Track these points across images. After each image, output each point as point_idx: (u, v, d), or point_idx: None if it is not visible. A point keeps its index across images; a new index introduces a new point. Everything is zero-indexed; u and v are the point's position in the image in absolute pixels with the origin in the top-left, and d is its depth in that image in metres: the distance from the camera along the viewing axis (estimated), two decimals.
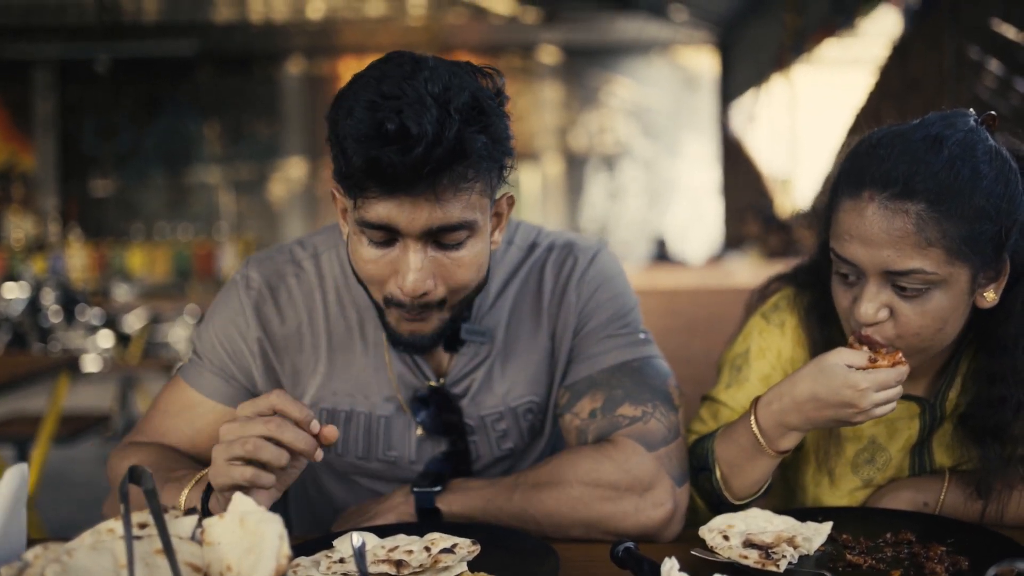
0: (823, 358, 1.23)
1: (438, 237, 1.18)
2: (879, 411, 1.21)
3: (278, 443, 1.07)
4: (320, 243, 1.45)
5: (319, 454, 1.10)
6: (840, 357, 1.22)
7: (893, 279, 1.21)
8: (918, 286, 1.20)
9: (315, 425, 1.09)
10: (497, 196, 1.26)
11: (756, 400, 1.29)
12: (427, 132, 1.08)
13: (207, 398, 1.41)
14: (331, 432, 1.10)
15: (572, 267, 1.44)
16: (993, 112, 1.27)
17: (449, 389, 1.41)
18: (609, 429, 1.35)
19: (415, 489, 1.33)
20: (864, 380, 1.20)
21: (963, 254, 1.19)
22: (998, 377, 1.28)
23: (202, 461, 1.38)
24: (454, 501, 1.32)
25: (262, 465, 1.08)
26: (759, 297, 1.52)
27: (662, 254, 9.69)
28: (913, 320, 1.22)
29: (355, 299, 1.41)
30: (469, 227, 1.19)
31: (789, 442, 1.27)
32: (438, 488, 1.32)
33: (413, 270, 1.18)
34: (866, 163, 1.23)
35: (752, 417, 1.28)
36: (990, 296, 1.26)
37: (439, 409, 1.40)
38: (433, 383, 1.41)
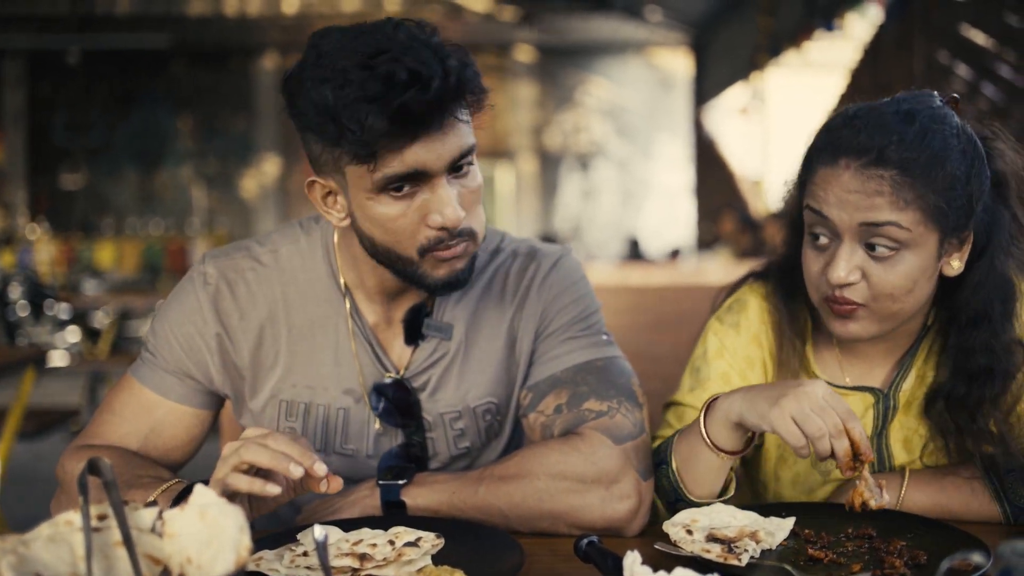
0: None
1: (457, 166, 1.24)
2: (790, 428, 1.16)
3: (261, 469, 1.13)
4: (279, 239, 1.44)
5: (297, 470, 1.11)
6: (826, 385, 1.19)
7: (867, 237, 1.24)
8: (891, 244, 1.23)
9: (320, 467, 1.12)
10: None
11: (716, 395, 1.30)
12: (435, 69, 1.16)
13: (162, 398, 1.39)
14: (336, 483, 1.14)
15: (534, 272, 1.45)
16: (956, 95, 1.32)
17: (408, 382, 1.41)
18: (575, 423, 1.36)
19: (380, 482, 1.33)
20: (813, 387, 1.17)
21: (936, 217, 1.23)
22: (979, 348, 1.30)
23: (159, 462, 1.37)
24: (419, 494, 1.32)
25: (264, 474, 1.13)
26: (723, 298, 1.53)
27: (635, 253, 9.74)
28: (886, 280, 1.25)
29: (316, 291, 1.41)
30: (473, 151, 1.26)
31: (725, 437, 1.25)
32: (403, 481, 1.32)
33: (450, 202, 1.22)
34: (842, 135, 1.27)
35: (703, 411, 1.28)
36: (956, 264, 1.30)
37: (397, 402, 1.40)
38: (392, 374, 1.41)
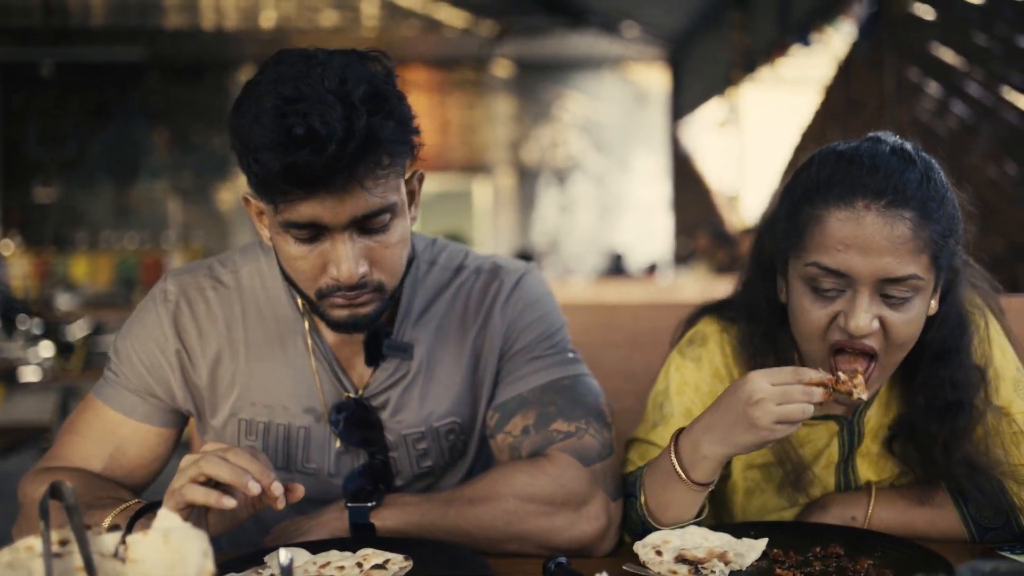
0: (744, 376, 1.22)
1: (363, 224, 1.21)
2: (780, 429, 1.17)
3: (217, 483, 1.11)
4: (240, 259, 1.45)
5: (255, 487, 1.10)
6: (759, 372, 1.20)
7: (884, 288, 1.22)
8: (907, 293, 1.23)
9: (276, 487, 1.12)
10: (407, 175, 1.30)
11: (680, 429, 1.29)
12: (336, 130, 1.11)
13: (126, 417, 1.39)
14: (295, 493, 1.14)
15: (497, 290, 1.45)
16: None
17: (368, 402, 1.41)
18: (543, 444, 1.37)
19: (349, 504, 1.32)
20: (762, 390, 1.17)
21: (940, 258, 1.24)
22: (947, 381, 1.31)
23: (123, 484, 1.36)
24: (388, 516, 1.31)
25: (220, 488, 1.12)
26: (681, 332, 1.52)
27: (617, 268, 9.78)
28: (902, 328, 1.24)
29: (276, 311, 1.41)
30: (391, 210, 1.23)
31: (703, 471, 1.24)
32: (372, 504, 1.31)
33: (345, 260, 1.21)
34: (851, 175, 1.24)
35: (673, 443, 1.27)
36: (933, 304, 1.30)
37: (357, 421, 1.40)
38: (351, 394, 1.40)
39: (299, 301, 1.40)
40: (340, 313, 1.27)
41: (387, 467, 1.42)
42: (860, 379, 1.20)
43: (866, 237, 1.21)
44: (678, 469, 1.24)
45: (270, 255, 1.43)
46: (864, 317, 1.22)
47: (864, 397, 1.20)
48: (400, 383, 1.41)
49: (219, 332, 1.40)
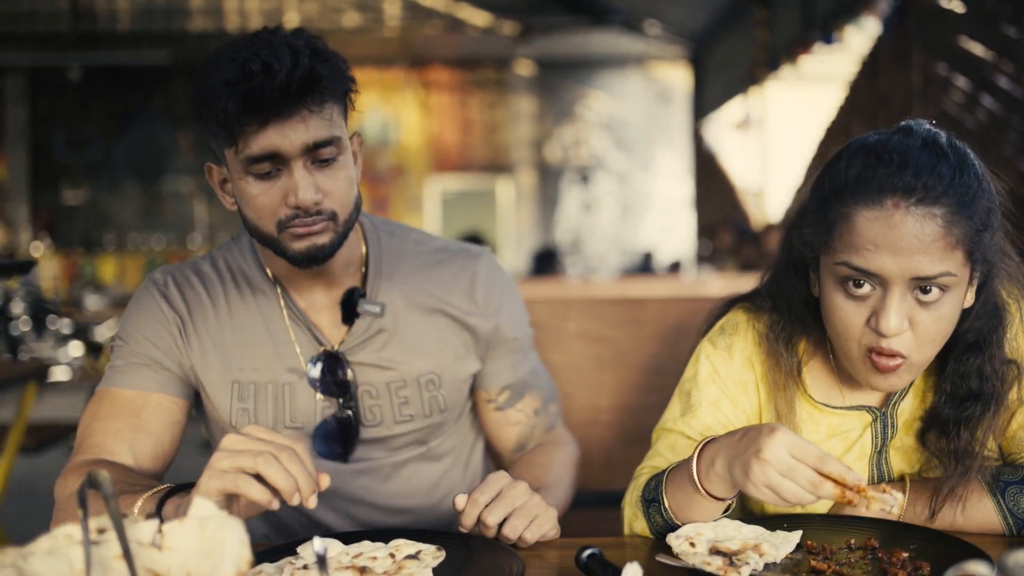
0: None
1: (315, 155, 1.35)
2: (767, 493, 1.12)
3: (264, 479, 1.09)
4: (216, 252, 1.60)
5: (296, 499, 1.09)
6: (787, 434, 1.12)
7: (916, 285, 1.20)
8: (941, 291, 1.20)
9: (313, 500, 1.10)
10: (350, 135, 1.45)
11: (709, 439, 1.26)
12: (286, 63, 1.30)
13: (141, 391, 1.45)
14: (324, 481, 1.13)
15: (474, 273, 1.62)
16: (934, 121, 1.30)
17: (342, 355, 1.52)
18: (550, 423, 1.71)
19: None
20: (774, 452, 1.10)
21: (974, 254, 1.21)
22: (973, 372, 1.29)
23: (152, 455, 1.42)
24: None
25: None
26: (711, 321, 1.51)
27: (647, 266, 9.78)
28: (931, 327, 1.22)
29: (251, 284, 1.54)
30: (337, 143, 1.37)
31: (717, 486, 1.21)
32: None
33: (303, 185, 1.34)
34: (880, 173, 1.21)
35: (697, 451, 1.25)
36: (969, 297, 1.27)
37: (330, 371, 1.52)
38: (326, 347, 1.52)
39: (269, 271, 1.52)
40: (299, 245, 1.38)
41: (357, 418, 1.54)
42: (891, 504, 1.12)
43: (896, 237, 1.18)
44: (695, 478, 1.23)
45: (240, 239, 1.57)
46: (895, 318, 1.20)
47: (892, 510, 1.14)
48: (377, 337, 1.54)
49: (204, 307, 1.52)
